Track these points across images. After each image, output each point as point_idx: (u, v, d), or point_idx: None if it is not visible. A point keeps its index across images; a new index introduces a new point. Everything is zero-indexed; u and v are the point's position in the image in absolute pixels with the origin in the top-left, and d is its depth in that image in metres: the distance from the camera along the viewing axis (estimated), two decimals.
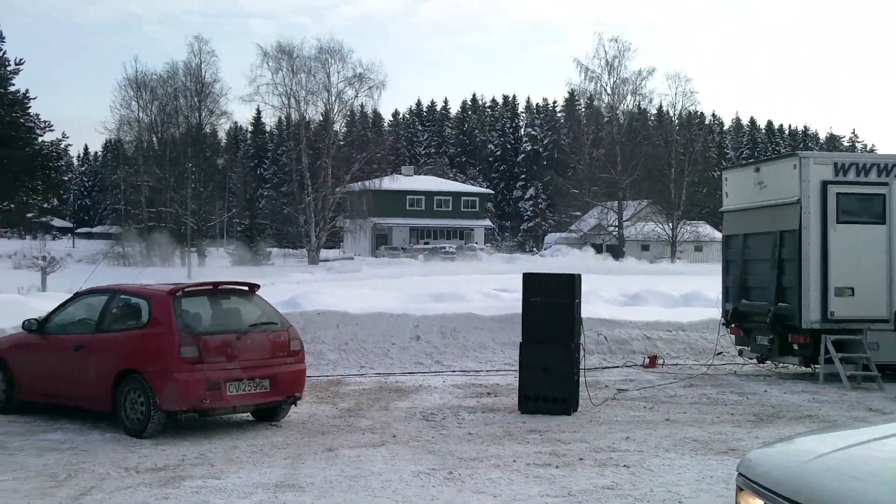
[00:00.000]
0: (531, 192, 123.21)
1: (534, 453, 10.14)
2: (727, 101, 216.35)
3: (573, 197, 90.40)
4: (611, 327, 18.81)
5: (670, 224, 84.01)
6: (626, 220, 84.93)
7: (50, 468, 9.37)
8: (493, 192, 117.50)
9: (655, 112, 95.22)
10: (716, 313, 18.73)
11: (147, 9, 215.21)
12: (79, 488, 8.56)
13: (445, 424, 11.93)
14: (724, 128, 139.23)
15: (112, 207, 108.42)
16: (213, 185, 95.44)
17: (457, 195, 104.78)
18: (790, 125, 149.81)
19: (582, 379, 13.10)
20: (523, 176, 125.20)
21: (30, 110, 52.84)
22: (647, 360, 17.74)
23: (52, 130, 54.54)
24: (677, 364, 18.03)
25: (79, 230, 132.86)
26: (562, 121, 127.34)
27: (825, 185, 15.70)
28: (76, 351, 11.74)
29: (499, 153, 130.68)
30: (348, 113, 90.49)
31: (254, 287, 12.35)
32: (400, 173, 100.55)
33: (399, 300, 22.04)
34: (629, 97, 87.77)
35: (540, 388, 12.69)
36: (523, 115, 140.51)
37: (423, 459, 9.82)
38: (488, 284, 28.35)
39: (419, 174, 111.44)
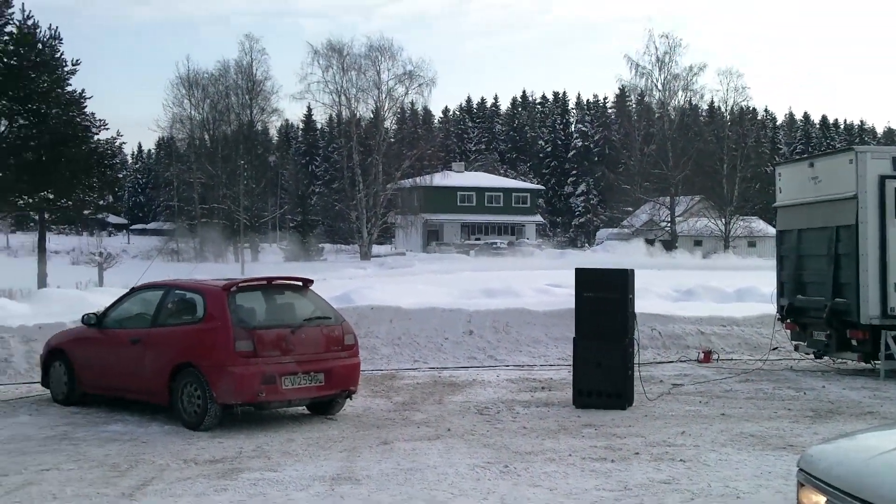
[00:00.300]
0: (582, 188, 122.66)
1: (589, 447, 10.11)
2: (780, 96, 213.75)
3: (624, 193, 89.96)
4: (664, 322, 18.70)
5: (723, 220, 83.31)
6: (678, 216, 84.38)
7: (112, 458, 9.51)
8: (544, 188, 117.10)
9: (707, 108, 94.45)
10: (770, 308, 18.53)
11: (199, 8, 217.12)
12: (140, 479, 8.67)
13: (500, 418, 11.94)
14: (777, 123, 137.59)
15: (165, 204, 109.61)
16: (265, 182, 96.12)
17: (508, 191, 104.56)
18: (846, 120, 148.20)
19: (636, 374, 13.03)
20: (574, 172, 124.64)
21: (86, 109, 53.36)
22: (701, 355, 17.62)
23: (107, 129, 54.99)
24: (732, 359, 17.89)
25: (133, 227, 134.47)
26: (612, 117, 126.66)
27: (883, 179, 15.48)
28: (133, 345, 11.89)
29: (549, 149, 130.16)
30: (399, 110, 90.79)
31: (308, 282, 12.42)
32: (451, 170, 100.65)
33: (451, 295, 22.05)
34: (680, 93, 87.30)
35: (594, 383, 12.65)
36: (573, 111, 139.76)
37: (479, 453, 9.83)
38: (540, 280, 28.29)
39: (470, 170, 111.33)
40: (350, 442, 10.43)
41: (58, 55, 51.54)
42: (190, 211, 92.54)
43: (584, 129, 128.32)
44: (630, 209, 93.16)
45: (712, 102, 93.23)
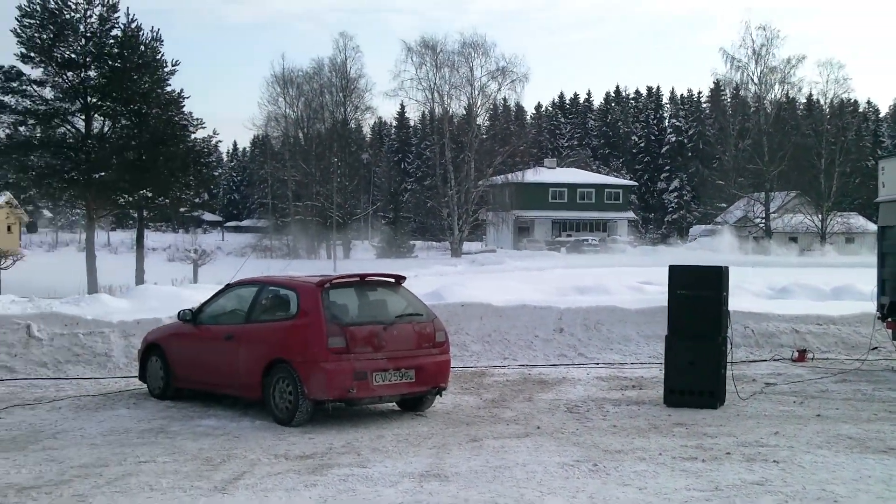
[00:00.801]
0: (675, 183, 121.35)
1: (679, 447, 9.99)
2: (885, 87, 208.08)
3: (718, 188, 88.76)
4: (758, 320, 18.37)
5: (819, 215, 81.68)
6: (773, 212, 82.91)
7: (205, 452, 9.67)
8: (636, 184, 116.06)
9: (805, 101, 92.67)
10: (870, 307, 18.07)
11: (293, 7, 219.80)
12: (232, 472, 8.81)
13: (590, 416, 11.86)
14: (881, 115, 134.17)
15: (260, 201, 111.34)
16: (357, 179, 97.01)
17: (600, 187, 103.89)
18: None
19: (728, 372, 12.83)
20: (667, 167, 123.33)
21: (184, 109, 54.49)
22: (795, 354, 17.27)
23: (203, 127, 56.15)
24: (828, 358, 17.50)
25: (228, 224, 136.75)
26: (707, 111, 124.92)
27: None
28: (227, 341, 12.06)
29: (642, 145, 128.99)
30: (491, 106, 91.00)
31: (400, 279, 12.46)
32: (542, 166, 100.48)
33: (542, 292, 22.00)
34: (777, 86, 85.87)
35: (686, 382, 12.50)
36: (667, 106, 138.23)
37: (568, 451, 9.78)
38: (632, 277, 28.12)
39: (562, 166, 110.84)
40: (439, 439, 10.45)
41: (159, 56, 52.71)
42: (284, 208, 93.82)
43: (677, 124, 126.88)
44: (724, 205, 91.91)
45: (811, 95, 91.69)
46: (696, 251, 75.84)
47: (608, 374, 15.54)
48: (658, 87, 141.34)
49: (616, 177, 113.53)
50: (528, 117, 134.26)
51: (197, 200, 58.81)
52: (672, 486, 8.35)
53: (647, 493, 8.14)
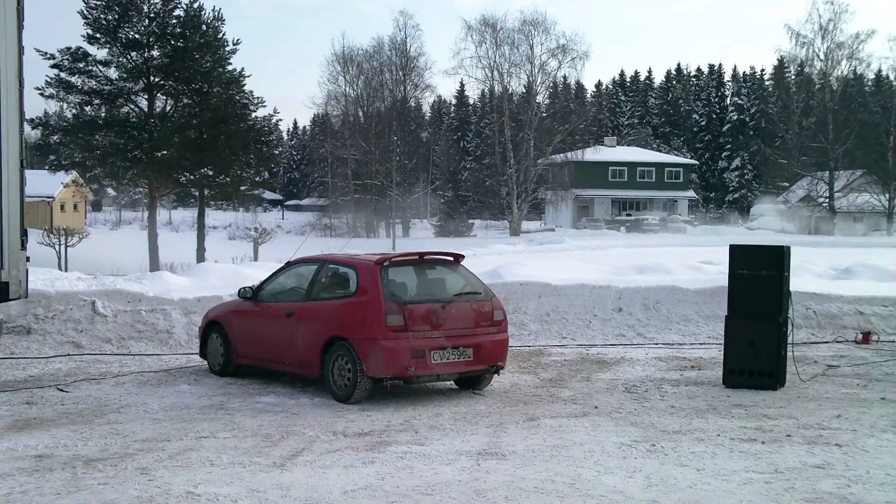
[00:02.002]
0: (737, 162, 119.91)
1: (738, 428, 9.90)
2: None
3: (781, 167, 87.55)
4: (820, 301, 18.09)
5: (886, 195, 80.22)
6: (837, 191, 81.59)
7: (264, 429, 9.77)
8: (697, 162, 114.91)
9: (873, 77, 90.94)
10: None
11: None
12: (291, 449, 8.89)
13: (648, 397, 11.80)
14: None
15: (319, 180, 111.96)
16: (417, 158, 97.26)
17: (660, 166, 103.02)
18: None
19: (789, 354, 12.68)
20: (729, 146, 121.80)
21: (245, 88, 54.96)
22: (859, 336, 17.00)
23: (264, 106, 56.64)
24: (894, 341, 17.20)
25: (288, 202, 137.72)
26: (770, 89, 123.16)
27: None
28: (287, 318, 12.15)
29: (704, 123, 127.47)
30: (551, 84, 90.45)
31: (458, 257, 12.46)
32: (602, 144, 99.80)
33: (601, 272, 21.87)
34: (844, 62, 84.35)
35: (746, 362, 12.37)
36: (729, 84, 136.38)
37: (626, 431, 9.74)
38: (692, 257, 27.83)
39: (622, 145, 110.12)
40: (497, 417, 10.46)
41: (220, 36, 53.20)
42: (343, 187, 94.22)
43: (739, 102, 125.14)
44: (786, 184, 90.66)
45: (879, 71, 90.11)
46: (758, 231, 75.11)
47: (667, 354, 15.44)
48: (720, 65, 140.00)
49: (676, 155, 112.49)
50: (588, 95, 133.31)
51: (257, 179, 59.34)
52: (731, 467, 8.29)
53: (705, 474, 8.08)
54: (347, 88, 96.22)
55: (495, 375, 12.21)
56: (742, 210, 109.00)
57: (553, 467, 8.27)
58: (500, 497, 7.38)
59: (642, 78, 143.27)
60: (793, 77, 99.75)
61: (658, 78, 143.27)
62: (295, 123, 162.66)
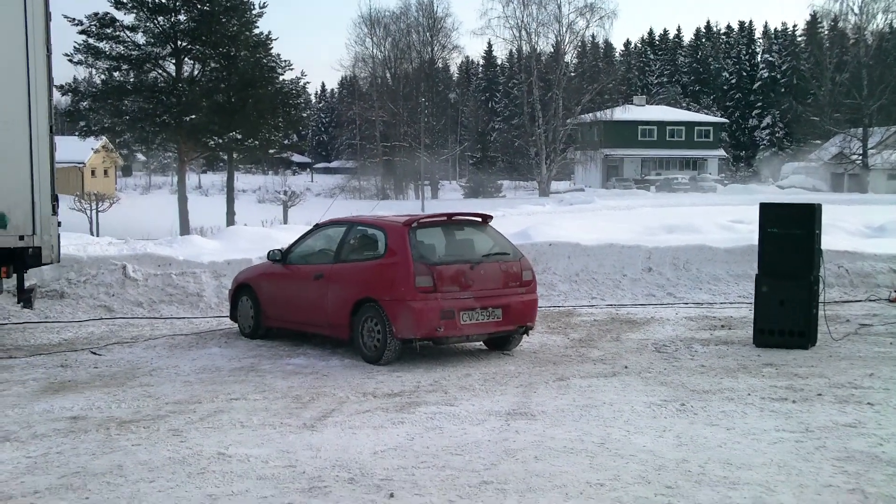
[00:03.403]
0: (767, 120, 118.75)
1: (769, 387, 9.86)
2: None
3: (813, 125, 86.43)
4: (852, 260, 17.93)
5: None
6: (871, 148, 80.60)
7: (294, 390, 9.83)
8: (727, 121, 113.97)
9: None
10: None
11: None
12: (321, 410, 8.94)
13: (678, 356, 11.77)
14: None
15: (348, 142, 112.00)
16: (445, 119, 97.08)
17: (690, 125, 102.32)
18: None
19: (821, 312, 12.59)
20: (759, 104, 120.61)
21: (272, 51, 54.95)
22: (893, 295, 16.86)
23: (291, 69, 56.86)
24: None
25: (316, 165, 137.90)
26: (802, 45, 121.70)
27: None
28: (316, 280, 12.18)
29: (734, 81, 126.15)
30: (579, 44, 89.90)
31: (487, 218, 12.43)
32: (631, 103, 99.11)
33: (631, 232, 21.77)
34: (879, 15, 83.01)
35: (776, 322, 12.30)
36: (760, 41, 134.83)
37: (655, 391, 9.73)
38: (722, 216, 27.63)
39: (651, 104, 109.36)
40: (526, 378, 10.48)
41: None
42: (372, 149, 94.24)
43: (770, 59, 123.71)
44: (818, 142, 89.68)
45: None
46: (789, 189, 74.51)
47: (697, 313, 15.38)
48: (751, 22, 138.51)
49: (706, 114, 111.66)
50: (617, 54, 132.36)
51: (286, 142, 59.50)
52: (761, 426, 8.26)
53: (734, 433, 8.06)
54: (375, 50, 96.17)
55: (524, 336, 12.20)
56: (773, 168, 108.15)
57: (582, 427, 8.28)
58: (530, 457, 7.40)
59: (671, 36, 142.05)
60: (826, 32, 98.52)
61: (687, 36, 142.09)
62: (323, 86, 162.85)
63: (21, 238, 11.88)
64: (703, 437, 7.94)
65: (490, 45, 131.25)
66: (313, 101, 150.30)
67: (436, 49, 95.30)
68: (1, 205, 11.77)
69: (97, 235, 28.17)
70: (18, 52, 11.58)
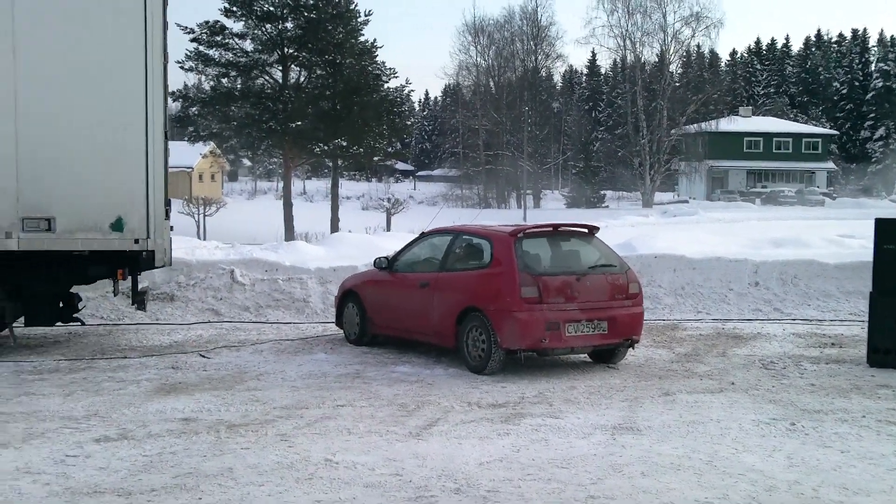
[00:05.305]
0: (881, 132, 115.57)
1: (885, 409, 9.58)
2: None
3: None
4: None
5: None
6: None
7: (400, 398, 9.89)
8: (837, 132, 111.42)
9: None
10: None
11: None
12: (426, 419, 8.98)
13: (786, 374, 11.53)
14: None
15: (451, 151, 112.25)
16: (548, 128, 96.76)
17: (797, 136, 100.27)
18: None
19: None
20: (872, 115, 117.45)
21: (377, 58, 55.44)
22: None
23: (396, 77, 57.09)
24: None
25: (419, 173, 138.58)
26: None
27: None
28: (422, 288, 12.24)
29: (845, 91, 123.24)
30: (684, 53, 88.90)
31: (593, 229, 12.36)
32: (737, 114, 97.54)
33: (736, 245, 21.41)
34: None
35: (892, 341, 11.95)
36: (874, 49, 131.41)
37: (764, 409, 9.54)
38: (831, 230, 27.06)
39: (757, 115, 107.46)
40: (631, 392, 10.38)
41: (352, 7, 53.69)
42: (474, 157, 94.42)
43: (885, 68, 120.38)
44: None
45: None
46: None
47: (806, 330, 15.06)
48: (864, 30, 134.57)
49: (815, 125, 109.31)
50: (723, 64, 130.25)
51: (390, 150, 59.96)
52: (878, 451, 8.02)
53: (850, 456, 7.85)
54: (478, 59, 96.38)
55: (630, 349, 12.09)
56: (886, 182, 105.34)
57: (689, 443, 8.17)
58: (637, 472, 7.32)
59: (779, 45, 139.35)
60: None
61: (796, 45, 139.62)
62: (426, 94, 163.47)
63: (136, 241, 12.17)
64: (815, 458, 7.76)
65: (594, 54, 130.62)
66: (417, 109, 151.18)
67: (539, 58, 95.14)
68: (118, 209, 12.08)
69: (204, 239, 28.72)
70: (138, 59, 11.90)
